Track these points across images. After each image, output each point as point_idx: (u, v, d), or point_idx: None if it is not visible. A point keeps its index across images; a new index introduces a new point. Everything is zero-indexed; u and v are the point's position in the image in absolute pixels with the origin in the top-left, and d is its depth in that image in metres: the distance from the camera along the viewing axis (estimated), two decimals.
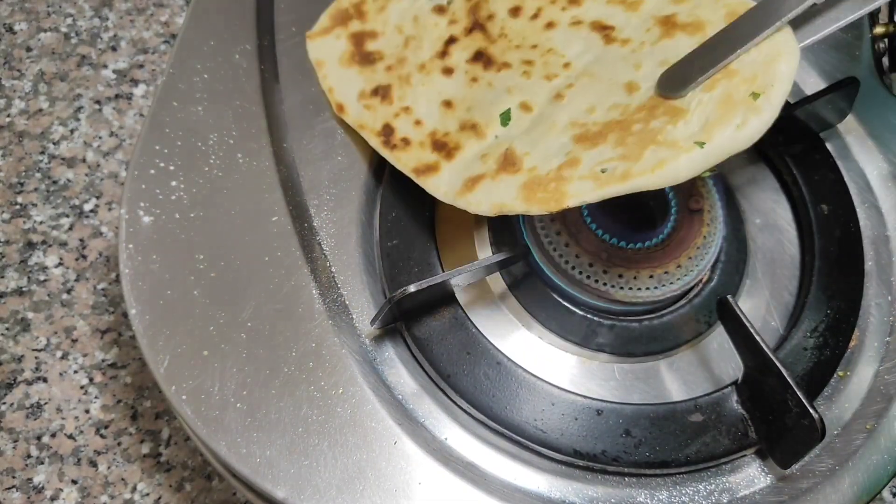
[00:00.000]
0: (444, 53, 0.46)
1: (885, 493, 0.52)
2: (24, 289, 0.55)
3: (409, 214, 0.46)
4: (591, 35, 0.44)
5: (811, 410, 0.38)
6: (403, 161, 0.45)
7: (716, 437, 0.41)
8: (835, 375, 0.44)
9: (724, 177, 0.50)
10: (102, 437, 0.51)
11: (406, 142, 0.45)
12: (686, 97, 0.38)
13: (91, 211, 0.58)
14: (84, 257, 0.56)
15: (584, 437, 0.41)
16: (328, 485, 0.39)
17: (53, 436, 0.51)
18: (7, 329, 0.54)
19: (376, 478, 0.39)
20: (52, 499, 0.49)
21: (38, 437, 0.51)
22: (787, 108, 0.49)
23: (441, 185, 0.43)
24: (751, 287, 0.47)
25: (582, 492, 0.40)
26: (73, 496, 0.49)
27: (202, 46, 0.50)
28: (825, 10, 0.39)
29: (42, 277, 0.55)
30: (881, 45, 0.55)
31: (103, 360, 0.53)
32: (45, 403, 0.52)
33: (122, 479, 0.50)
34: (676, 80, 0.39)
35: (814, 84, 0.53)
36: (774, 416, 0.40)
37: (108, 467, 0.50)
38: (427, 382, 0.43)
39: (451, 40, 0.47)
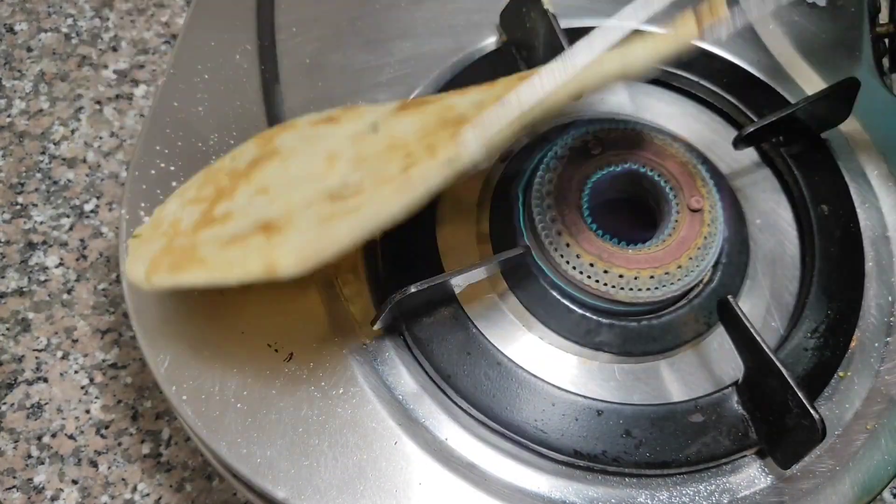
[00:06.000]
0: None
1: (886, 494, 0.52)
2: (24, 289, 0.55)
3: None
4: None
5: (812, 411, 0.38)
6: None
7: (716, 437, 0.41)
8: (835, 376, 0.44)
9: (725, 177, 0.50)
10: (103, 437, 0.51)
11: None
12: None
13: (91, 211, 0.58)
14: (84, 257, 0.56)
15: (584, 438, 0.41)
16: (328, 485, 0.39)
17: (54, 436, 0.51)
18: (7, 329, 0.54)
19: (376, 478, 0.39)
20: (53, 499, 0.49)
21: (39, 438, 0.51)
22: (788, 108, 0.49)
23: None
24: (751, 287, 0.47)
25: (582, 492, 0.40)
26: (73, 496, 0.49)
27: (203, 47, 0.50)
28: None
29: (42, 278, 0.56)
30: (881, 45, 0.55)
31: (104, 361, 0.53)
32: (46, 404, 0.52)
33: (123, 480, 0.50)
34: None
35: (814, 84, 0.53)
36: (775, 416, 0.40)
37: (109, 467, 0.50)
38: (427, 382, 0.42)
39: None
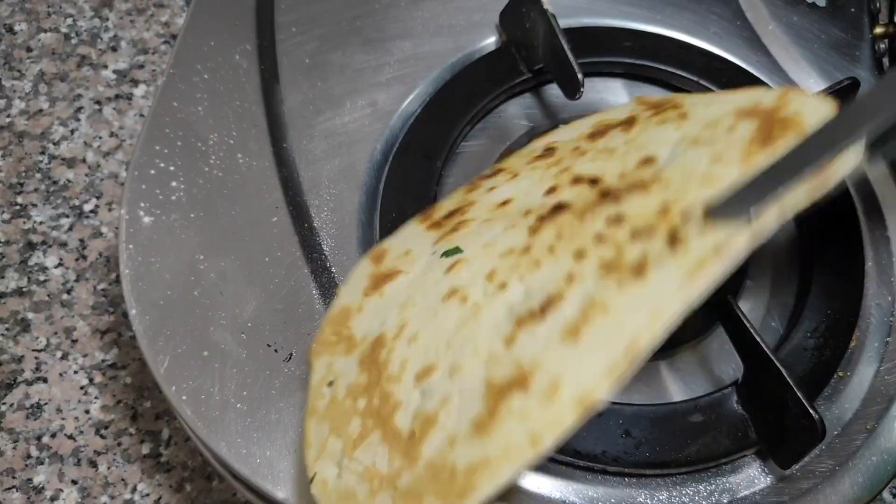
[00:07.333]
0: None
1: (885, 494, 0.52)
2: (24, 289, 0.55)
3: (409, 214, 0.46)
4: None
5: (811, 411, 0.38)
6: None
7: (716, 437, 0.41)
8: (835, 376, 0.44)
9: None
10: (102, 437, 0.51)
11: None
12: None
13: (91, 211, 0.58)
14: (84, 258, 0.56)
15: (584, 438, 0.41)
16: None
17: (53, 436, 0.51)
18: (7, 329, 0.54)
19: None
20: (52, 499, 0.49)
21: (38, 438, 0.51)
22: None
23: None
24: (751, 287, 0.47)
25: (582, 492, 0.40)
26: (73, 496, 0.49)
27: (202, 47, 0.50)
28: None
29: (42, 278, 0.56)
30: (881, 46, 0.55)
31: (103, 361, 0.53)
32: (45, 404, 0.52)
33: (123, 480, 0.50)
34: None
35: (814, 84, 0.53)
36: (774, 416, 0.40)
37: (109, 468, 0.50)
38: None
39: None
